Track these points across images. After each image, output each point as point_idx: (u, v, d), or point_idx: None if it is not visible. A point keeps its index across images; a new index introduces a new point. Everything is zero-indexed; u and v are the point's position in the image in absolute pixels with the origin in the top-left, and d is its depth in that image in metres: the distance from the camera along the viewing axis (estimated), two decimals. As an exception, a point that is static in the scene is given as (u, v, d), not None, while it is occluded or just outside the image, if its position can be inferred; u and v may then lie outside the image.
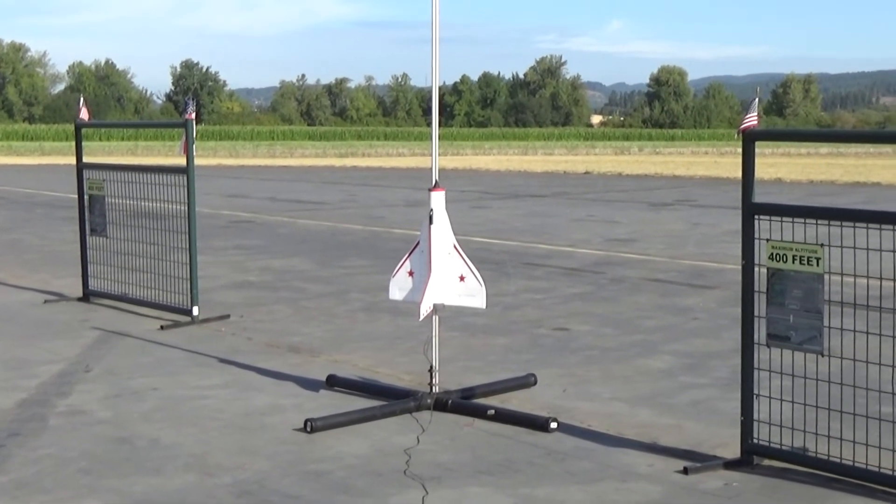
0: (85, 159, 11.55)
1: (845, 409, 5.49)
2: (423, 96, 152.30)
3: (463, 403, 6.85)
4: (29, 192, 30.45)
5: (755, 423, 5.69)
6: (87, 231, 11.34)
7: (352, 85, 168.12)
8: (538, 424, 6.41)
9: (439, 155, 7.25)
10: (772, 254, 5.48)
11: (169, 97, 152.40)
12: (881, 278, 5.44)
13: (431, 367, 6.96)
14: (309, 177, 40.39)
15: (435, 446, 6.10)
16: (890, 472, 5.21)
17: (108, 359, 8.49)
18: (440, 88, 8.21)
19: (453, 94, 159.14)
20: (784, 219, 5.56)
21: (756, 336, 5.66)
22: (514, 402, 7.04)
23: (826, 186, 32.43)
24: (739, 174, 5.76)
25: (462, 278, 6.77)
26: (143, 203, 10.56)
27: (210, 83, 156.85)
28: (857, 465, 5.33)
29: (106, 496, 5.29)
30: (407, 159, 59.05)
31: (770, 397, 5.69)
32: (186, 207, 9.97)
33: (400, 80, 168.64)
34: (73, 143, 11.92)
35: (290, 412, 6.83)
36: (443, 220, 6.78)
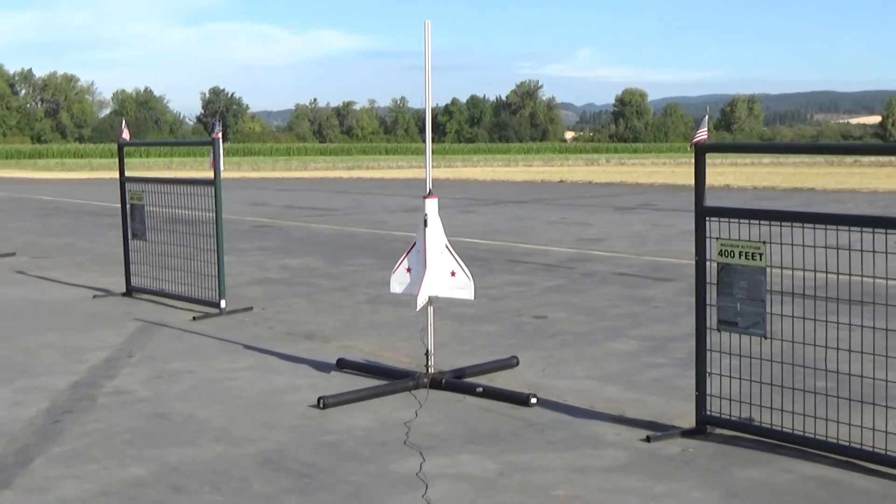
0: (127, 174, 11.53)
1: (786, 385, 5.49)
2: (419, 116, 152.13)
3: (455, 382, 6.84)
4: (79, 202, 30.37)
5: (708, 398, 5.69)
6: (129, 236, 11.32)
7: (357, 107, 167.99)
8: (520, 400, 6.40)
9: (433, 167, 7.25)
10: (721, 250, 5.48)
11: (199, 119, 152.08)
12: (815, 271, 5.44)
13: (427, 350, 6.95)
14: (320, 187, 40.30)
15: (431, 419, 6.09)
16: (823, 438, 5.22)
17: (149, 346, 8.48)
18: (433, 109, 8.19)
19: (445, 114, 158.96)
20: (731, 220, 5.57)
21: (708, 322, 5.66)
22: (499, 380, 7.03)
23: (768, 192, 32.44)
24: (693, 182, 5.76)
25: (453, 273, 6.76)
26: (177, 211, 10.55)
27: (234, 106, 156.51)
28: (795, 432, 5.34)
29: (147, 464, 5.28)
30: (405, 171, 58.92)
31: (721, 375, 5.69)
32: (214, 214, 9.96)
33: (399, 102, 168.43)
34: (117, 160, 11.90)
35: (305, 391, 6.81)
36: (436, 224, 6.77)
